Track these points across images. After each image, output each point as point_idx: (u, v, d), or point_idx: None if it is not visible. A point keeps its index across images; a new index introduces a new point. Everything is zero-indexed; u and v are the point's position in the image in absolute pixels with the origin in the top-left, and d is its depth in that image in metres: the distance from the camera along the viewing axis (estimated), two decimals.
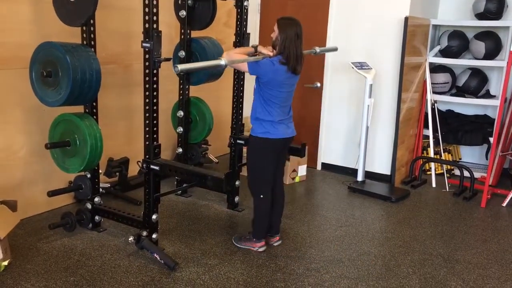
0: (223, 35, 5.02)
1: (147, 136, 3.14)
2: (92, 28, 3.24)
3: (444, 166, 5.15)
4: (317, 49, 3.68)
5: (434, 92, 5.21)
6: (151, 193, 3.20)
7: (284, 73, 3.02)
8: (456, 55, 5.16)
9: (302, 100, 5.35)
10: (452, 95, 5.30)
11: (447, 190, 4.86)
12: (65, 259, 3.11)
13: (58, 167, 3.36)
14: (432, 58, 5.20)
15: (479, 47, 4.99)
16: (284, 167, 3.57)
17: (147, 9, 2.92)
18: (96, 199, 3.49)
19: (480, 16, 5.05)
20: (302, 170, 4.98)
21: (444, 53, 5.22)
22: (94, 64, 3.10)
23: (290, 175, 4.85)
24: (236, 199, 4.10)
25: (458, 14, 5.39)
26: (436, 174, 5.10)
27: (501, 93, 4.44)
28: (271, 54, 3.11)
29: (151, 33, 2.93)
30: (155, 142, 3.15)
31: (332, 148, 5.35)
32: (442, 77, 5.26)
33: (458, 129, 5.28)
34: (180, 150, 4.32)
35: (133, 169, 4.33)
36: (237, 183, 4.06)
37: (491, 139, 4.71)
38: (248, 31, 3.92)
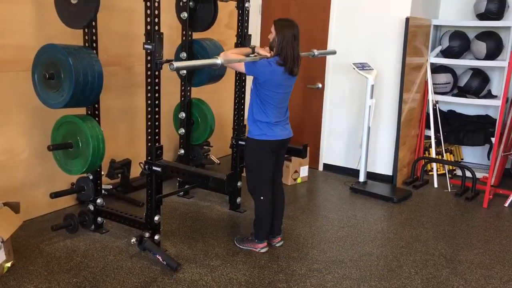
0: (225, 36, 5.04)
1: (149, 137, 3.15)
2: (94, 30, 3.25)
3: (446, 167, 5.15)
4: (315, 52, 3.68)
5: (435, 93, 5.21)
6: (153, 195, 3.21)
7: (281, 74, 3.03)
8: (457, 55, 5.16)
9: (304, 101, 5.36)
10: (453, 95, 5.30)
11: (449, 190, 4.86)
12: (67, 261, 3.11)
13: (60, 169, 3.37)
14: (434, 58, 5.20)
15: (480, 47, 4.99)
16: (283, 168, 3.57)
17: (148, 11, 2.93)
18: (99, 200, 3.50)
19: (481, 17, 5.05)
20: (304, 171, 4.98)
21: (445, 53, 5.22)
22: (96, 66, 3.11)
23: (292, 176, 4.85)
24: (238, 200, 4.10)
25: (459, 14, 5.39)
26: (438, 175, 5.10)
27: (503, 93, 4.43)
28: (268, 55, 3.11)
29: (153, 35, 2.94)
30: (157, 144, 3.16)
31: (334, 149, 5.35)
32: (444, 78, 5.26)
33: (459, 129, 5.28)
34: (182, 151, 4.32)
35: (135, 171, 4.34)
36: (239, 184, 4.07)
37: (493, 139, 4.71)
38: (249, 33, 3.92)
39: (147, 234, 3.22)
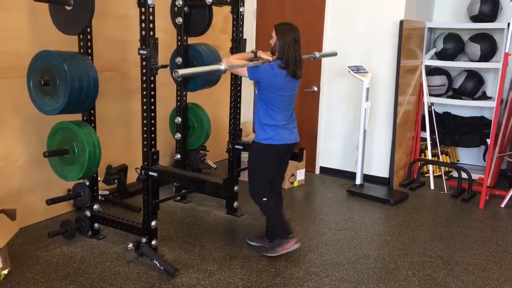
0: (220, 41, 5.05)
1: (145, 142, 3.15)
2: (89, 36, 3.25)
3: (442, 168, 5.16)
4: (317, 54, 3.70)
5: (430, 95, 5.23)
6: (150, 200, 3.21)
7: (283, 77, 3.04)
8: (451, 57, 5.18)
9: (300, 104, 5.36)
10: (448, 97, 5.32)
11: (446, 192, 4.87)
12: (64, 267, 3.11)
13: (56, 175, 3.36)
14: (428, 61, 5.22)
15: (475, 49, 5.02)
16: (285, 172, 3.58)
17: (143, 17, 2.94)
18: (95, 206, 3.49)
19: (475, 19, 5.08)
20: (301, 175, 4.99)
21: (439, 55, 5.24)
22: (92, 72, 3.12)
23: (288, 180, 4.85)
24: (235, 204, 4.10)
25: (453, 17, 5.42)
26: (434, 176, 5.11)
27: (497, 94, 4.46)
28: (270, 59, 3.13)
29: (148, 41, 2.95)
30: (153, 149, 3.16)
31: (330, 152, 5.36)
32: (438, 80, 5.28)
33: (455, 131, 5.29)
34: (179, 156, 4.33)
35: (132, 176, 4.33)
36: (235, 188, 4.07)
37: (488, 141, 4.73)
38: (244, 37, 3.94)
39: (144, 240, 3.22)
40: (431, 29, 5.41)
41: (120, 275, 3.03)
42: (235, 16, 3.86)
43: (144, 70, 3.02)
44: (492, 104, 4.88)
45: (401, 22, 4.66)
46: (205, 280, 3.01)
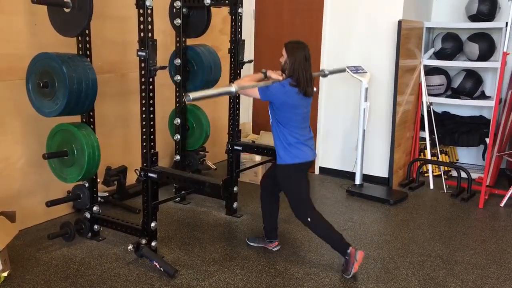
0: (219, 42, 5.05)
1: (144, 144, 3.15)
2: (87, 38, 3.26)
3: (442, 168, 5.16)
4: (326, 71, 3.69)
5: (429, 94, 5.24)
6: (150, 201, 3.21)
7: (295, 95, 3.03)
8: (450, 57, 5.19)
9: None
10: (447, 97, 5.32)
11: (445, 191, 4.87)
12: (64, 269, 3.11)
13: (56, 177, 3.37)
14: (427, 60, 5.23)
15: (473, 48, 5.03)
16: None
17: (141, 18, 2.94)
18: (95, 208, 3.49)
19: (473, 18, 5.09)
20: None
21: (438, 55, 5.25)
22: (90, 73, 3.12)
23: None
24: (235, 205, 4.10)
25: (451, 16, 5.43)
26: (433, 176, 5.11)
27: (496, 93, 4.46)
28: (280, 78, 3.12)
29: (146, 42, 2.95)
30: (152, 150, 3.16)
31: (330, 152, 5.36)
32: (437, 79, 5.29)
33: (454, 130, 5.30)
34: (178, 157, 4.33)
35: (131, 178, 4.33)
36: (235, 189, 4.07)
37: (487, 140, 4.73)
38: (243, 38, 3.94)
39: (143, 241, 3.22)
40: (429, 29, 5.41)
41: (120, 276, 3.03)
42: (233, 17, 3.87)
43: (143, 72, 3.02)
44: (491, 103, 4.88)
45: (400, 22, 4.67)
46: (205, 281, 3.01)
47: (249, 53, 5.26)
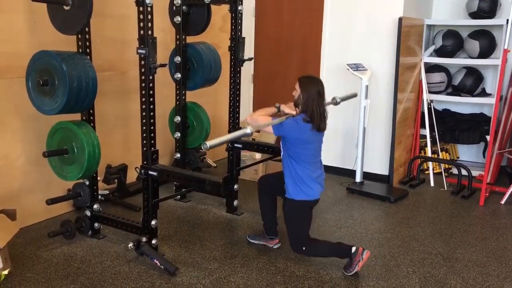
0: (218, 39, 5.04)
1: (145, 142, 3.15)
2: (87, 36, 3.25)
3: (442, 165, 5.16)
4: (338, 99, 3.64)
5: (430, 92, 5.23)
6: (150, 199, 3.21)
7: (308, 131, 3.03)
8: (451, 54, 5.18)
9: None
10: (448, 94, 5.32)
11: (446, 189, 4.87)
12: (65, 267, 3.11)
13: (56, 175, 3.36)
14: (427, 58, 5.22)
15: (474, 45, 5.02)
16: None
17: (141, 16, 2.93)
18: (95, 206, 3.49)
19: (473, 15, 5.08)
20: None
21: (439, 52, 5.24)
22: (90, 71, 3.12)
23: None
24: (235, 203, 4.10)
25: (451, 13, 5.42)
26: (434, 174, 5.11)
27: (497, 91, 4.46)
28: (294, 112, 3.12)
29: (146, 40, 2.94)
30: (152, 148, 3.16)
31: (330, 149, 5.33)
32: (438, 77, 5.28)
33: (455, 128, 5.30)
34: (178, 155, 4.33)
35: (132, 176, 4.33)
36: (235, 187, 4.07)
37: (488, 137, 4.73)
38: (243, 35, 3.93)
39: (144, 239, 3.22)
40: (430, 26, 5.40)
41: (121, 274, 3.04)
42: (233, 15, 3.86)
43: (143, 70, 3.02)
44: (492, 100, 4.88)
45: (400, 19, 4.66)
46: (205, 278, 3.01)
47: (249, 50, 5.25)
